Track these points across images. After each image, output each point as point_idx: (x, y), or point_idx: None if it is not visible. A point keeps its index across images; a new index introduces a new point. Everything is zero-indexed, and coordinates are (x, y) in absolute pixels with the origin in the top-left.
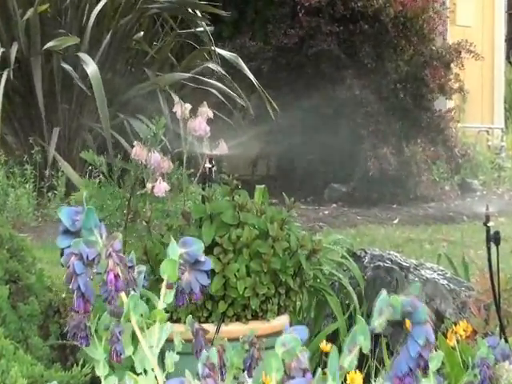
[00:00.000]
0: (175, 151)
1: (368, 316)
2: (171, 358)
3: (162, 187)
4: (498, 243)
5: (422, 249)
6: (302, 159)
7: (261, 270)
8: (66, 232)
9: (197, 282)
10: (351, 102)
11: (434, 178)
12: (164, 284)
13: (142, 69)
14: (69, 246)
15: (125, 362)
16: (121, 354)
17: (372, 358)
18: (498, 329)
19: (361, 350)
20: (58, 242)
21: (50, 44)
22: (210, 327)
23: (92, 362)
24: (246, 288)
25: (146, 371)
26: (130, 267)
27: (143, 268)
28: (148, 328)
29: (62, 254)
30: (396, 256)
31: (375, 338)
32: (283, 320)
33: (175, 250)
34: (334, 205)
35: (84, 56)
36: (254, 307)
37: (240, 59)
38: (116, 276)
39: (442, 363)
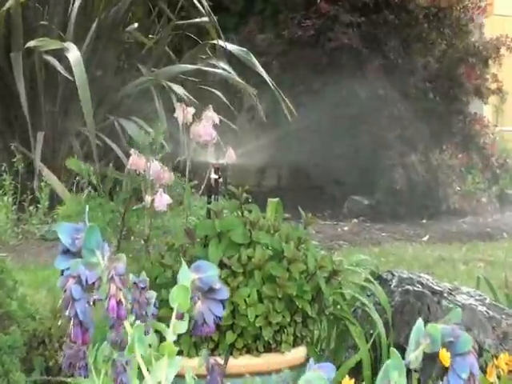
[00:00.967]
0: (176, 160)
1: (395, 347)
2: None
3: (163, 200)
4: None
5: (456, 270)
6: (317, 168)
7: (274, 296)
8: (66, 252)
9: (210, 312)
10: (374, 102)
11: (468, 188)
12: (174, 313)
13: (136, 65)
14: (68, 268)
15: None
16: None
17: None
18: None
19: None
20: (57, 263)
21: (32, 43)
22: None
23: None
24: (257, 316)
25: None
26: (142, 289)
27: (153, 294)
28: (156, 361)
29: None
30: (427, 279)
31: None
32: (300, 352)
33: (187, 276)
34: (355, 220)
35: (68, 45)
36: (266, 338)
37: (251, 55)
38: (118, 303)
39: None
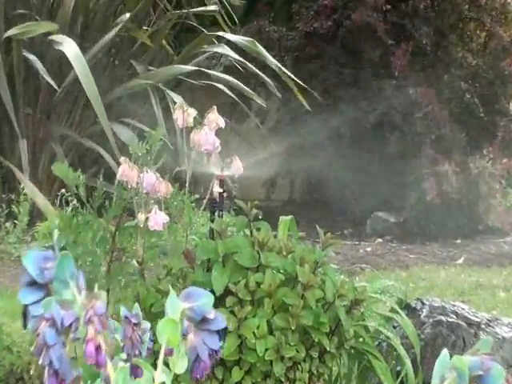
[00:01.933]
0: (175, 171)
1: None
2: None
3: (159, 219)
4: None
5: (496, 298)
6: (336, 179)
7: (287, 327)
8: (32, 284)
9: (204, 345)
10: (402, 103)
11: (510, 203)
12: (162, 350)
13: (128, 61)
14: (35, 302)
15: None
16: None
17: None
18: None
19: None
20: (21, 296)
21: (13, 31)
22: None
23: None
24: (267, 350)
25: None
26: (134, 325)
27: (147, 325)
28: None
29: (24, 313)
30: (462, 308)
31: None
32: None
33: (176, 305)
34: (380, 239)
35: (60, 38)
36: (277, 375)
37: (258, 45)
38: (97, 348)
39: None
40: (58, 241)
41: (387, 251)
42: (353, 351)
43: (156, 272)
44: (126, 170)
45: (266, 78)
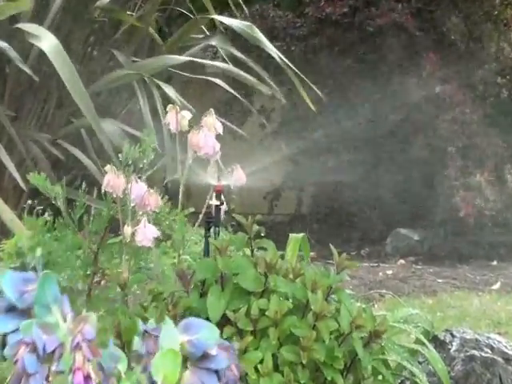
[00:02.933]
0: (166, 180)
1: None
2: None
3: (148, 233)
4: None
5: None
6: (351, 190)
7: (296, 362)
8: (11, 309)
9: None
10: (429, 103)
11: None
12: None
13: (110, 51)
14: (15, 331)
15: None
16: None
17: None
18: None
19: None
20: None
21: None
22: None
23: None
24: None
25: None
26: None
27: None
28: None
29: (3, 344)
30: (499, 341)
31: None
32: None
33: (174, 337)
34: (402, 261)
35: (34, 28)
36: None
37: (257, 30)
38: (86, 378)
39: None
40: (30, 260)
41: (411, 274)
42: None
43: (141, 297)
44: (112, 179)
45: (265, 77)
